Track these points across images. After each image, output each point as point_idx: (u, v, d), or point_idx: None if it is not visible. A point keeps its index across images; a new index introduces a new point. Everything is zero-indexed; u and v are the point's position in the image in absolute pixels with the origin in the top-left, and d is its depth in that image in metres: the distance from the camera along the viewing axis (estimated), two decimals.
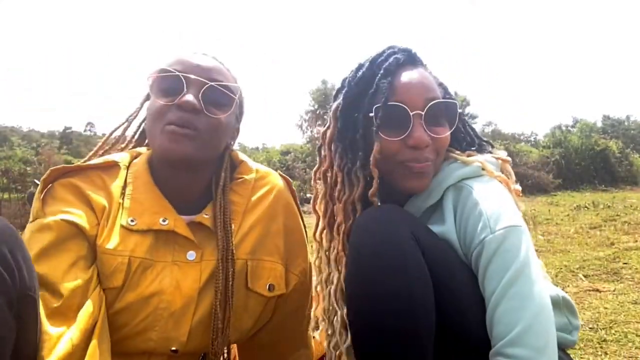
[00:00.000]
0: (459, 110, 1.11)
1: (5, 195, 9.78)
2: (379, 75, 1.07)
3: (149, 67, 1.13)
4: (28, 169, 10.92)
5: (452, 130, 1.14)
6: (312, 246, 1.25)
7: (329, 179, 1.16)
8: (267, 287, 1.14)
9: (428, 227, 1.05)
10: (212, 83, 1.05)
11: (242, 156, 1.22)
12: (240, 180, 1.18)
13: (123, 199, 1.06)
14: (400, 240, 0.94)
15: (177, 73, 1.04)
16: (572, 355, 1.89)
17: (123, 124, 1.19)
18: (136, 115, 1.19)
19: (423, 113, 1.04)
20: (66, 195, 1.03)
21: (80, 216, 1.01)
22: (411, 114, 1.03)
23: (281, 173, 1.27)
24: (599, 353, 1.93)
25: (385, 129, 1.05)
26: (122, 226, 1.03)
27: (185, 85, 1.04)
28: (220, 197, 1.12)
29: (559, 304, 1.08)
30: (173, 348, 1.06)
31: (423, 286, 0.92)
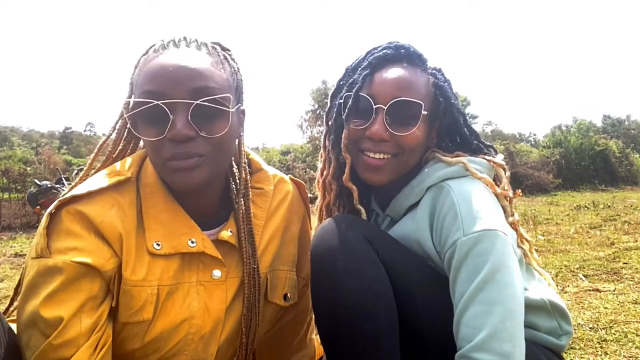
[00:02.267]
0: (424, 113, 1.08)
1: (5, 195, 9.75)
2: (362, 66, 1.12)
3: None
4: (28, 169, 10.92)
5: (438, 130, 1.16)
6: None
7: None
8: (283, 296, 1.14)
9: (384, 231, 1.09)
10: (199, 101, 0.90)
11: (259, 160, 1.17)
12: (260, 191, 1.12)
13: (141, 218, 0.97)
14: (354, 244, 0.97)
15: (157, 102, 0.89)
16: (572, 356, 1.89)
17: (111, 134, 1.06)
18: (125, 123, 1.05)
19: (385, 108, 1.06)
20: (74, 227, 0.90)
21: (90, 253, 0.89)
22: (374, 107, 1.07)
23: (292, 177, 1.24)
24: (599, 353, 1.93)
25: (352, 118, 1.11)
26: (147, 251, 0.95)
27: (169, 112, 0.89)
28: (242, 212, 1.06)
29: (547, 308, 1.08)
30: None
31: (380, 284, 0.95)
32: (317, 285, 1.01)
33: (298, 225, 1.20)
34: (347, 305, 0.93)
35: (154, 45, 1.01)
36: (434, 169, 1.11)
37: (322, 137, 1.23)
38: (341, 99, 1.13)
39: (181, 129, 0.89)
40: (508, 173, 1.15)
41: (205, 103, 0.91)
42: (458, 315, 0.93)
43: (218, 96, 0.93)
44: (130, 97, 1.00)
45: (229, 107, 0.95)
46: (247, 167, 1.11)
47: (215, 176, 1.01)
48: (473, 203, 0.99)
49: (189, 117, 0.90)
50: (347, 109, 1.10)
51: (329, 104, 1.20)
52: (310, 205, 1.27)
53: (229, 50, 1.06)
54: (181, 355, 1.01)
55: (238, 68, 1.05)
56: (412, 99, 1.07)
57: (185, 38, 1.01)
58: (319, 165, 1.24)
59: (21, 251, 5.04)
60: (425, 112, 1.08)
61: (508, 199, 1.11)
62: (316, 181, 1.26)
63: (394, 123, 1.07)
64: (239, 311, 1.06)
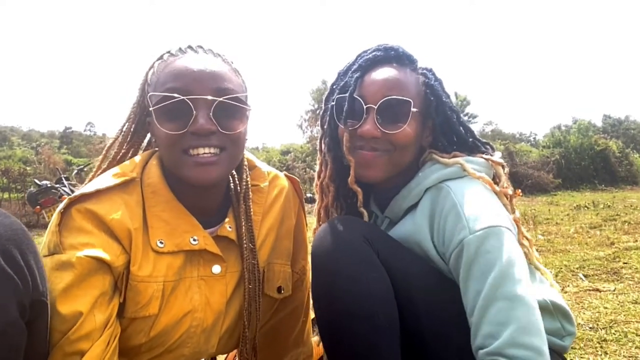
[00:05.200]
0: (414, 110, 1.10)
1: (5, 195, 9.77)
2: (353, 69, 1.15)
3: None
4: (28, 168, 10.93)
5: (433, 130, 1.18)
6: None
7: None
8: (277, 289, 1.17)
9: (385, 232, 1.11)
10: (221, 98, 0.96)
11: (253, 159, 1.20)
12: (256, 187, 1.16)
13: (145, 216, 1.00)
14: (354, 245, 0.99)
15: (182, 97, 0.94)
16: (572, 356, 1.89)
17: (119, 136, 1.10)
18: (132, 125, 1.09)
19: (376, 107, 1.09)
20: (85, 225, 0.93)
21: (102, 248, 0.92)
22: (365, 107, 1.09)
23: (287, 174, 1.26)
24: (599, 353, 1.93)
25: (347, 119, 1.13)
26: (151, 249, 0.98)
27: (193, 107, 0.94)
28: (242, 209, 1.10)
29: (549, 309, 1.08)
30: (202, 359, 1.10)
31: (380, 285, 0.96)
32: (317, 286, 1.02)
33: (293, 219, 1.22)
34: (347, 307, 0.94)
35: (169, 50, 1.05)
36: (431, 171, 1.12)
37: (318, 140, 1.26)
38: (333, 102, 1.16)
39: (204, 123, 0.95)
40: (507, 170, 1.16)
41: (228, 101, 0.97)
42: (479, 313, 0.92)
43: (239, 94, 1.00)
44: (140, 103, 1.05)
45: (247, 106, 1.02)
46: (247, 169, 1.14)
47: (229, 173, 1.05)
48: (474, 202, 1.00)
49: (211, 113, 0.95)
50: (343, 112, 1.12)
51: (323, 108, 1.23)
52: (310, 205, 1.29)
53: (233, 63, 1.10)
54: (184, 347, 1.05)
55: (244, 80, 1.11)
56: (401, 97, 1.09)
57: (200, 46, 1.06)
58: (317, 168, 1.28)
59: None
60: (415, 110, 1.10)
61: (508, 197, 1.11)
62: (314, 184, 1.29)
63: (385, 121, 1.09)
64: (239, 304, 1.10)
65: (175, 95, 0.94)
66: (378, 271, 0.97)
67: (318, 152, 1.27)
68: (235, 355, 1.44)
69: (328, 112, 1.19)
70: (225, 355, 1.45)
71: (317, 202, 1.28)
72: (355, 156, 1.13)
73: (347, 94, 1.11)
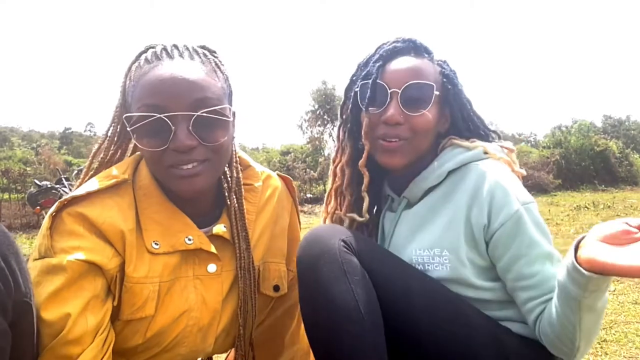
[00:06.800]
0: (436, 93, 1.15)
1: (5, 196, 9.77)
2: (374, 59, 1.19)
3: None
4: (28, 169, 10.92)
5: (451, 117, 1.22)
6: None
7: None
8: (273, 288, 1.18)
9: (366, 237, 1.16)
10: (199, 112, 0.93)
11: (247, 158, 1.20)
12: (250, 187, 1.16)
13: (138, 218, 0.99)
14: (336, 251, 1.01)
15: (159, 115, 0.92)
16: None
17: (105, 140, 1.07)
18: (115, 129, 1.07)
19: (400, 92, 1.12)
20: (76, 228, 0.92)
21: (94, 252, 0.91)
22: (389, 91, 1.13)
23: (280, 173, 1.27)
24: (599, 353, 1.93)
25: (369, 106, 1.17)
26: (146, 250, 0.97)
27: (171, 124, 0.92)
28: (235, 208, 1.10)
29: None
30: (199, 359, 1.10)
31: (362, 287, 0.97)
32: (301, 293, 1.04)
33: (287, 219, 1.23)
34: (330, 312, 0.95)
35: (145, 53, 1.02)
36: (453, 154, 1.16)
37: (337, 128, 1.31)
38: (357, 88, 1.20)
39: (184, 139, 0.92)
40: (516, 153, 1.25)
41: (205, 114, 0.94)
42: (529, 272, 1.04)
43: (217, 107, 0.96)
44: (123, 105, 1.03)
45: (228, 117, 0.99)
46: (238, 166, 1.14)
47: (215, 180, 1.05)
48: (510, 179, 1.09)
49: (190, 127, 0.93)
50: (366, 99, 1.16)
51: (343, 98, 1.28)
52: (310, 205, 1.29)
53: (216, 53, 1.08)
54: (180, 346, 1.04)
55: (227, 75, 1.07)
56: (424, 81, 1.14)
57: (176, 46, 1.02)
58: (332, 155, 1.34)
59: None
60: (437, 93, 1.15)
61: (521, 180, 1.18)
62: (330, 170, 1.34)
63: (408, 105, 1.13)
64: (235, 302, 1.10)
65: (151, 114, 0.92)
66: (359, 274, 0.98)
67: (335, 140, 1.32)
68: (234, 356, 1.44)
69: (350, 100, 1.24)
70: (224, 356, 1.45)
71: (329, 184, 1.34)
72: (378, 145, 1.16)
73: (370, 80, 1.15)
